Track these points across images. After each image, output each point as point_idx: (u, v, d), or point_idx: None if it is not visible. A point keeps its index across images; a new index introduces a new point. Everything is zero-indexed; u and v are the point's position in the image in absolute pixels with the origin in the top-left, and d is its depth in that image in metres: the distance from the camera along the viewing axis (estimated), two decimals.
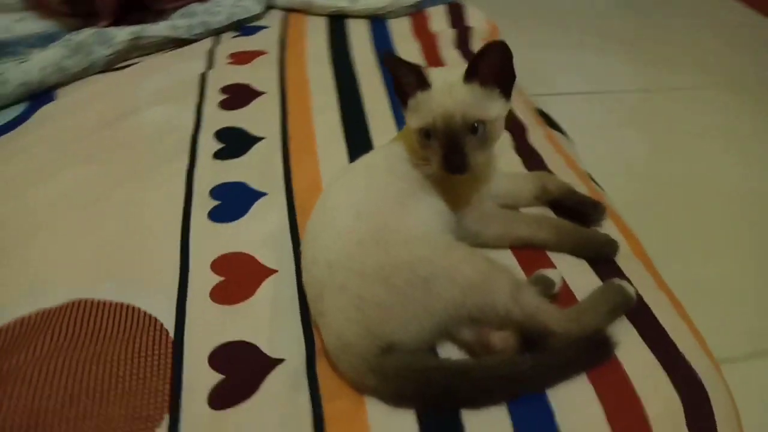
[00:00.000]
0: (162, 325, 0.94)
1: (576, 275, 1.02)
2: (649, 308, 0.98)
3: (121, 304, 0.97)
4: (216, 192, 1.20)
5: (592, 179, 1.48)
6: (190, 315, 0.96)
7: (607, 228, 1.15)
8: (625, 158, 2.43)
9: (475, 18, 1.97)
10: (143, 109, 1.45)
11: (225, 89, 1.52)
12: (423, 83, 1.00)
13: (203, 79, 1.55)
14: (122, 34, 1.63)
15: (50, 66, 1.49)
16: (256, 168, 1.27)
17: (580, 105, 2.80)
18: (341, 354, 0.85)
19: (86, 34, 1.58)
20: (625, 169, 2.35)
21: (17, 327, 0.94)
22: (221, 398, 0.84)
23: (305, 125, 1.40)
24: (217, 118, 1.42)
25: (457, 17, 1.97)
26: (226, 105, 1.47)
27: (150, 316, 0.96)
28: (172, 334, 0.93)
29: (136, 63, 1.66)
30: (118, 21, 1.75)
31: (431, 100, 0.99)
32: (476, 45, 1.82)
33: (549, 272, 0.98)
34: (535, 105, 1.72)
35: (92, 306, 0.97)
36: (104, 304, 0.97)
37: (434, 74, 1.00)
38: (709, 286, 1.84)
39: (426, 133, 0.99)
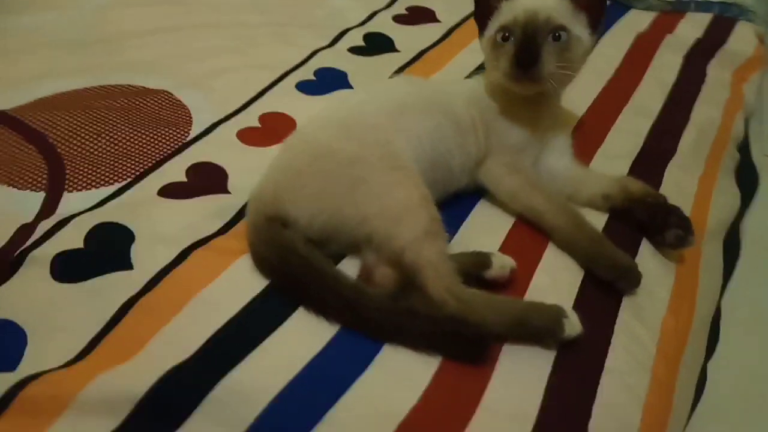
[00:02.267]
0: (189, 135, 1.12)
1: (551, 284, 0.85)
2: (601, 369, 0.76)
3: (182, 103, 1.18)
4: (320, 71, 1.31)
5: None
6: (213, 135, 1.12)
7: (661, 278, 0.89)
8: None
9: (741, 39, 1.59)
10: None
11: (410, 8, 1.59)
12: None
13: None
14: None
15: None
16: (368, 69, 1.33)
17: None
18: (250, 202, 0.89)
19: None
20: None
21: (109, 89, 1.23)
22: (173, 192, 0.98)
23: (444, 57, 1.39)
24: (380, 25, 1.51)
25: (717, 31, 1.61)
26: (398, 19, 1.55)
27: (191, 122, 1.14)
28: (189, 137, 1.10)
29: None
30: None
31: (516, 2, 0.95)
32: (719, 68, 1.48)
33: (499, 257, 0.82)
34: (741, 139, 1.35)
35: (165, 95, 1.21)
36: (175, 99, 1.20)
37: None
38: None
39: (503, 35, 0.93)
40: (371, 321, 0.74)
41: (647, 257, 0.94)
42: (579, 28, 0.94)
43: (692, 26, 1.62)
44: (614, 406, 0.73)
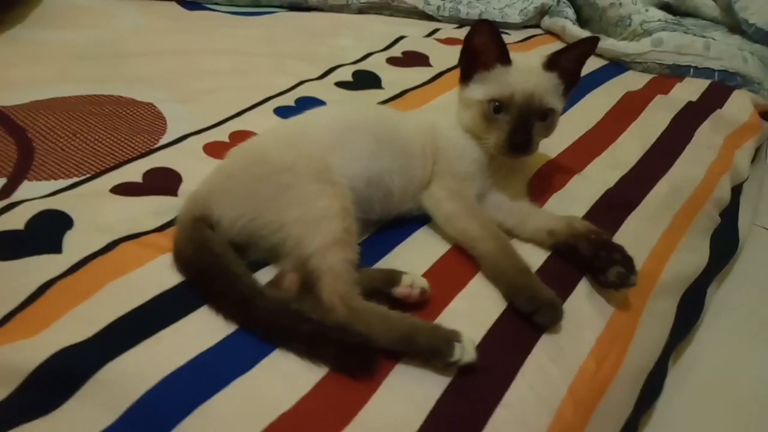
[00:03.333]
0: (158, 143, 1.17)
1: (467, 311, 0.83)
2: (498, 402, 0.73)
3: (162, 115, 1.24)
4: (301, 99, 1.36)
5: None
6: (181, 145, 1.16)
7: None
8: None
9: (736, 106, 1.56)
10: (341, 38, 1.72)
11: (406, 53, 1.65)
12: (504, 59, 1.00)
13: (397, 40, 1.70)
14: None
15: None
16: (346, 100, 1.38)
17: None
18: (185, 202, 0.92)
19: None
20: None
21: (102, 97, 1.30)
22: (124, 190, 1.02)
23: (426, 97, 1.42)
24: (372, 64, 1.57)
25: (713, 96, 1.59)
26: (392, 61, 1.60)
27: (165, 132, 1.20)
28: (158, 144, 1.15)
29: (380, 15, 1.92)
30: None
31: (511, 75, 0.99)
32: (710, 131, 1.46)
33: (410, 276, 0.81)
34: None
35: (149, 107, 1.27)
36: (157, 111, 1.26)
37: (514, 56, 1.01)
38: None
39: (496, 107, 0.97)
40: (261, 321, 0.75)
41: (581, 298, 0.91)
42: (559, 101, 1.00)
43: (688, 90, 1.62)
44: None
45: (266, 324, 0.74)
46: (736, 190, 1.45)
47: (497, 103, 0.96)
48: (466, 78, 1.02)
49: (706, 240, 1.22)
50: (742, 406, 1.08)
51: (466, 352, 0.72)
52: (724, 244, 1.30)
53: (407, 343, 0.72)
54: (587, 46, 1.02)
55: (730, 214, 1.38)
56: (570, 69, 1.01)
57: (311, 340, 0.72)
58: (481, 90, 0.99)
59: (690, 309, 1.09)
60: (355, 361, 0.71)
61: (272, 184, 0.85)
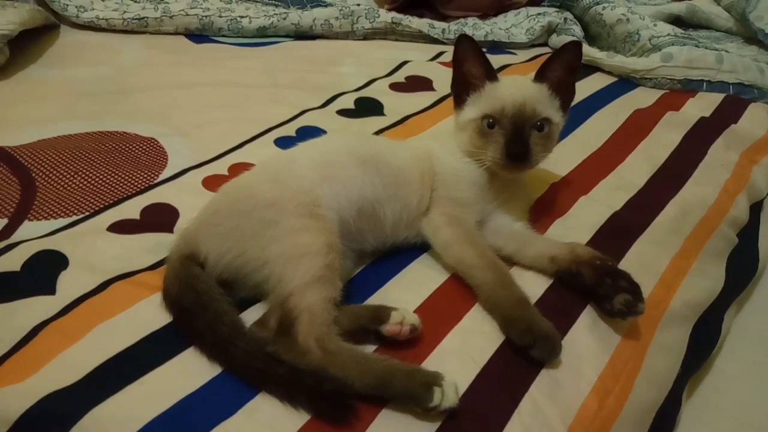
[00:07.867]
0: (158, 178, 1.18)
1: (460, 348, 0.80)
2: None
3: (163, 150, 1.26)
4: (302, 129, 1.36)
5: None
6: (181, 179, 1.17)
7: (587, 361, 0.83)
8: None
9: (752, 120, 1.51)
10: (344, 65, 1.72)
11: (409, 77, 1.64)
12: (492, 76, 1.01)
13: (400, 65, 1.70)
14: (386, 16, 1.91)
15: (321, 20, 1.89)
16: (347, 128, 1.37)
17: None
18: (175, 239, 0.91)
19: (361, 7, 1.92)
20: None
21: (105, 134, 1.32)
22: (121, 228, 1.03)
23: (427, 123, 1.41)
24: (375, 90, 1.56)
25: (727, 111, 1.54)
26: (395, 87, 1.59)
27: (165, 166, 1.21)
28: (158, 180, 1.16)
29: (385, 41, 1.93)
30: (401, 9, 2.05)
31: (500, 90, 1.00)
32: (724, 148, 1.41)
33: (400, 312, 0.79)
34: None
35: (151, 142, 1.28)
36: (159, 145, 1.27)
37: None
38: None
39: (489, 122, 0.97)
40: (238, 363, 0.73)
41: (584, 330, 0.87)
42: (555, 113, 0.99)
43: (701, 105, 1.57)
44: None
45: (243, 366, 0.73)
46: (756, 209, 1.39)
47: (490, 119, 0.96)
48: (459, 103, 1.03)
49: (721, 263, 1.17)
50: None
51: (446, 396, 0.69)
52: (743, 267, 1.23)
53: (383, 388, 0.70)
54: (570, 52, 0.99)
55: (748, 235, 1.32)
56: (560, 79, 1.00)
57: (286, 384, 0.70)
58: (474, 110, 1.00)
59: (704, 337, 1.04)
60: (330, 408, 0.69)
61: (256, 220, 0.84)
